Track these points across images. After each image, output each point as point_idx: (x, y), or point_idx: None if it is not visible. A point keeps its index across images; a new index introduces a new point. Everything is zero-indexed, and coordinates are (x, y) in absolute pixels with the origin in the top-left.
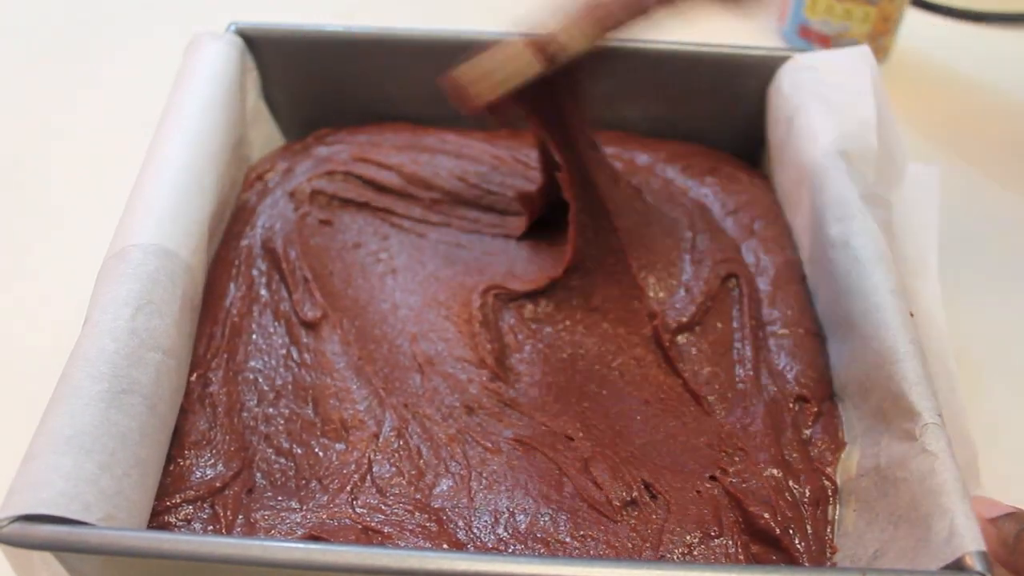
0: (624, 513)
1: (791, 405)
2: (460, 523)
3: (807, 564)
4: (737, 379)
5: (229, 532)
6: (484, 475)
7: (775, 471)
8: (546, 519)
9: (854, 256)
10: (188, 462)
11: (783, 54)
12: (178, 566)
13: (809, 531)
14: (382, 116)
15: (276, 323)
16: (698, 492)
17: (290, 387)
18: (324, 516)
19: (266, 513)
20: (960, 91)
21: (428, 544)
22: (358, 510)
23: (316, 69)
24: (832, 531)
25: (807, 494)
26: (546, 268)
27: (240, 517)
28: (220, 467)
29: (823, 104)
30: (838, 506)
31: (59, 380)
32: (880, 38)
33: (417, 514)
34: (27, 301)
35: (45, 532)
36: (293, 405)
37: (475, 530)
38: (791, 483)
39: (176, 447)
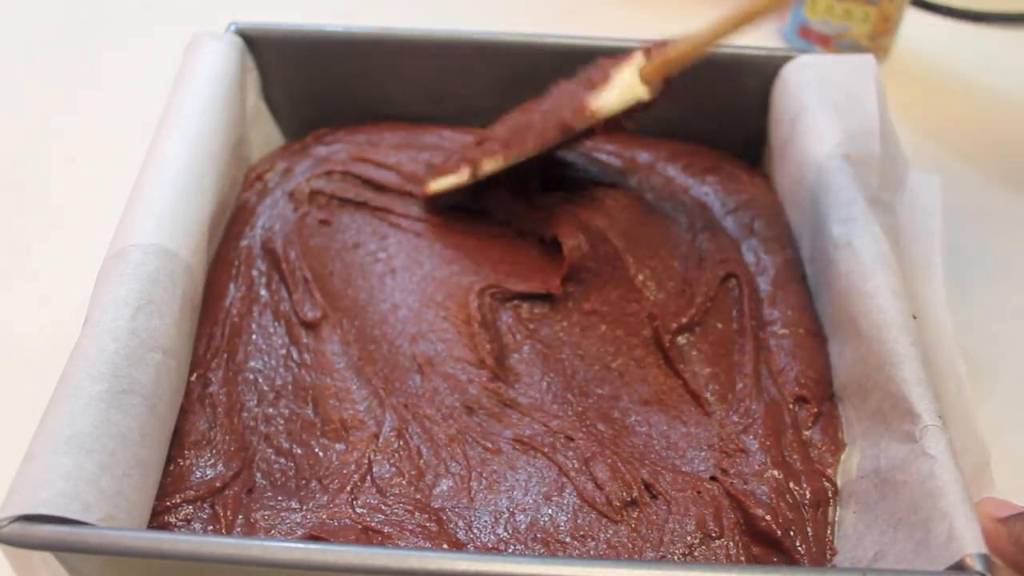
0: (624, 513)
1: (791, 406)
2: (460, 523)
3: (807, 566)
4: (737, 379)
5: (229, 532)
6: (484, 475)
7: (776, 472)
8: (546, 519)
9: (856, 257)
10: (188, 462)
11: (784, 54)
12: (178, 566)
13: (810, 533)
14: (381, 116)
15: (276, 323)
16: (698, 493)
17: (290, 387)
18: (324, 516)
19: (266, 513)
20: (960, 91)
21: (428, 544)
22: (358, 510)
23: (316, 69)
24: (832, 533)
25: (807, 496)
26: (543, 267)
27: (240, 517)
28: (220, 467)
29: (828, 106)
30: (838, 508)
31: (59, 380)
32: (880, 38)
33: (417, 514)
34: (27, 301)
35: (45, 532)
36: (293, 405)
37: (475, 530)
38: (791, 484)
39: (176, 447)
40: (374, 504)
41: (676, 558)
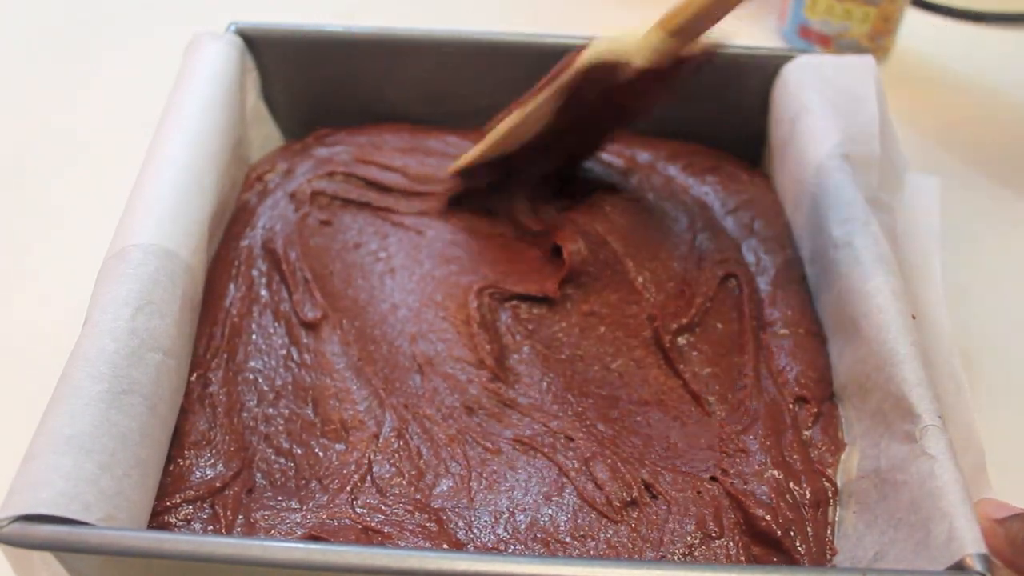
0: (624, 513)
1: (791, 406)
2: (460, 523)
3: (807, 566)
4: (737, 380)
5: (229, 532)
6: (484, 475)
7: (776, 472)
8: (546, 519)
9: (856, 257)
10: (188, 462)
11: (784, 54)
12: (178, 566)
13: (810, 533)
14: (382, 116)
15: (276, 323)
16: (699, 493)
17: (290, 387)
18: (324, 516)
19: (266, 513)
20: (960, 91)
21: (428, 544)
22: (358, 510)
23: (316, 69)
24: (832, 533)
25: (807, 496)
26: (542, 268)
27: (240, 517)
28: (220, 467)
29: (828, 107)
30: (838, 508)
31: (59, 380)
32: (880, 38)
33: (417, 514)
34: (27, 301)
35: (45, 532)
36: (293, 405)
37: (475, 530)
38: (791, 484)
39: (176, 447)
40: (374, 504)
41: (676, 558)
